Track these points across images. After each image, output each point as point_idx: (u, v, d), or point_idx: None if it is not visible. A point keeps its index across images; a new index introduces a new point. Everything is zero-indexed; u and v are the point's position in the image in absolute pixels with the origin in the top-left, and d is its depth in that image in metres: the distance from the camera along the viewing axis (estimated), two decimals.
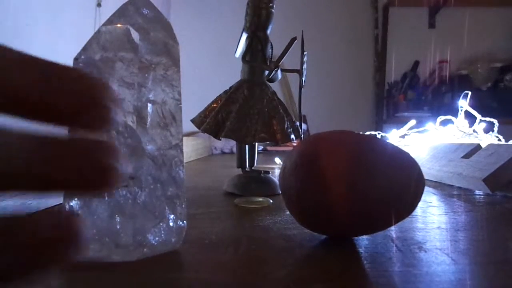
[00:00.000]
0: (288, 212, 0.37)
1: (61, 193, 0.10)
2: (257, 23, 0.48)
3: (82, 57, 0.24)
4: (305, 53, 0.49)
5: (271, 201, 0.43)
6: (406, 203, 0.26)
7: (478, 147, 0.58)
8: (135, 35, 0.24)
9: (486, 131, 0.70)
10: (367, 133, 0.81)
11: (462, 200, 0.46)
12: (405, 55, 2.11)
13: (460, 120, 0.73)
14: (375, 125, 2.12)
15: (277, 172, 0.72)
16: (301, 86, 0.50)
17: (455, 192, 0.52)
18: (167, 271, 0.22)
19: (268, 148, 1.46)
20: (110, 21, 0.24)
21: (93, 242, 0.22)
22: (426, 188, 0.42)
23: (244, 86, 0.48)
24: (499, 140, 0.67)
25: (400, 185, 0.25)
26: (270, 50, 0.49)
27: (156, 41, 0.24)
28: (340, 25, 2.15)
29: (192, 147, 1.07)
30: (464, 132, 0.72)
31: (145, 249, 0.24)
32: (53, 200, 0.34)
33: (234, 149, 0.52)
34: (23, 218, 0.11)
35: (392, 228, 0.31)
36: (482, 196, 0.49)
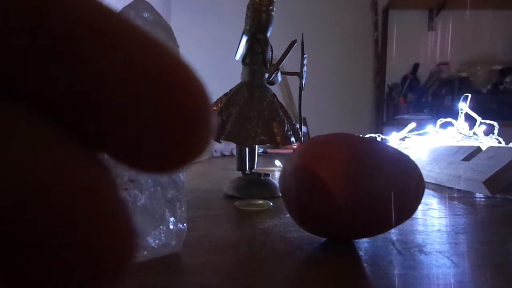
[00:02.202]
0: (288, 215, 0.37)
1: None
2: (257, 26, 0.48)
3: None
4: (305, 55, 0.49)
5: (271, 203, 0.43)
6: (406, 205, 0.26)
7: (478, 149, 0.58)
8: None
9: (486, 133, 0.70)
10: (367, 135, 0.81)
11: (462, 202, 0.46)
12: (405, 57, 2.12)
13: (460, 123, 0.73)
14: (375, 127, 2.12)
15: (277, 174, 0.72)
16: (301, 89, 0.50)
17: (455, 195, 0.52)
18: (167, 274, 0.22)
19: (268, 150, 1.46)
20: None
21: None
22: (426, 191, 0.42)
23: (244, 89, 0.48)
24: (499, 142, 0.67)
25: (400, 188, 0.25)
26: (270, 53, 0.49)
27: None
28: (340, 28, 2.15)
29: None
30: (464, 135, 0.71)
31: (145, 252, 0.24)
32: None
33: (234, 152, 0.52)
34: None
35: (392, 230, 0.31)
36: (482, 199, 0.48)
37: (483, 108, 1.61)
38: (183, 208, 0.26)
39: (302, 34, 0.49)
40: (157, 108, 0.06)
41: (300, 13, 2.07)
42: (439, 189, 0.57)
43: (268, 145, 0.47)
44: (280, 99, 0.50)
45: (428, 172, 0.64)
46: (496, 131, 0.68)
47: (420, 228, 0.33)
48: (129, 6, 0.24)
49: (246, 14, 0.48)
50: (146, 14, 0.24)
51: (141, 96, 0.06)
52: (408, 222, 0.33)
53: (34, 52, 0.06)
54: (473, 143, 0.68)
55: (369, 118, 2.20)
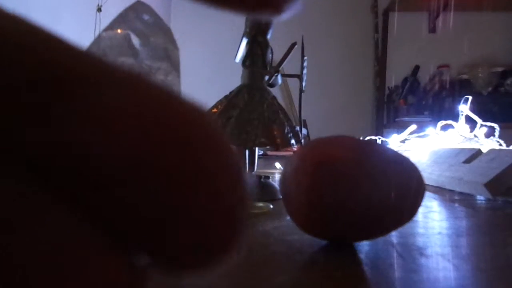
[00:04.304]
0: (288, 217, 0.37)
1: None
2: (257, 28, 0.48)
3: None
4: (305, 58, 0.49)
5: (271, 206, 0.42)
6: (407, 208, 0.26)
7: (479, 152, 0.58)
8: (135, 41, 0.24)
9: (487, 136, 0.70)
10: (368, 137, 0.81)
11: (463, 205, 0.46)
12: (405, 59, 2.12)
13: (461, 125, 0.73)
14: (375, 129, 2.12)
15: (277, 177, 0.72)
16: (301, 91, 0.50)
17: (456, 197, 0.52)
18: (167, 277, 0.22)
19: (268, 153, 1.45)
20: (110, 27, 0.24)
21: None
22: (427, 193, 0.42)
23: (244, 91, 0.48)
24: (500, 145, 0.67)
25: (401, 190, 0.25)
26: (270, 55, 0.49)
27: (157, 46, 0.24)
28: (340, 30, 2.15)
29: None
30: (465, 137, 0.71)
31: None
32: None
33: None
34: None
35: (393, 233, 0.31)
36: (483, 201, 0.48)
37: (484, 110, 1.61)
38: None
39: (302, 36, 0.49)
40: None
41: (300, 16, 2.07)
42: (440, 191, 0.57)
43: (268, 147, 0.47)
44: (280, 101, 0.50)
45: (429, 175, 0.64)
46: (497, 133, 0.68)
47: (421, 231, 0.33)
48: (129, 8, 0.24)
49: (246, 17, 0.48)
50: (146, 17, 0.25)
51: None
52: (408, 224, 0.33)
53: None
54: (474, 145, 0.67)
55: (369, 121, 2.20)
